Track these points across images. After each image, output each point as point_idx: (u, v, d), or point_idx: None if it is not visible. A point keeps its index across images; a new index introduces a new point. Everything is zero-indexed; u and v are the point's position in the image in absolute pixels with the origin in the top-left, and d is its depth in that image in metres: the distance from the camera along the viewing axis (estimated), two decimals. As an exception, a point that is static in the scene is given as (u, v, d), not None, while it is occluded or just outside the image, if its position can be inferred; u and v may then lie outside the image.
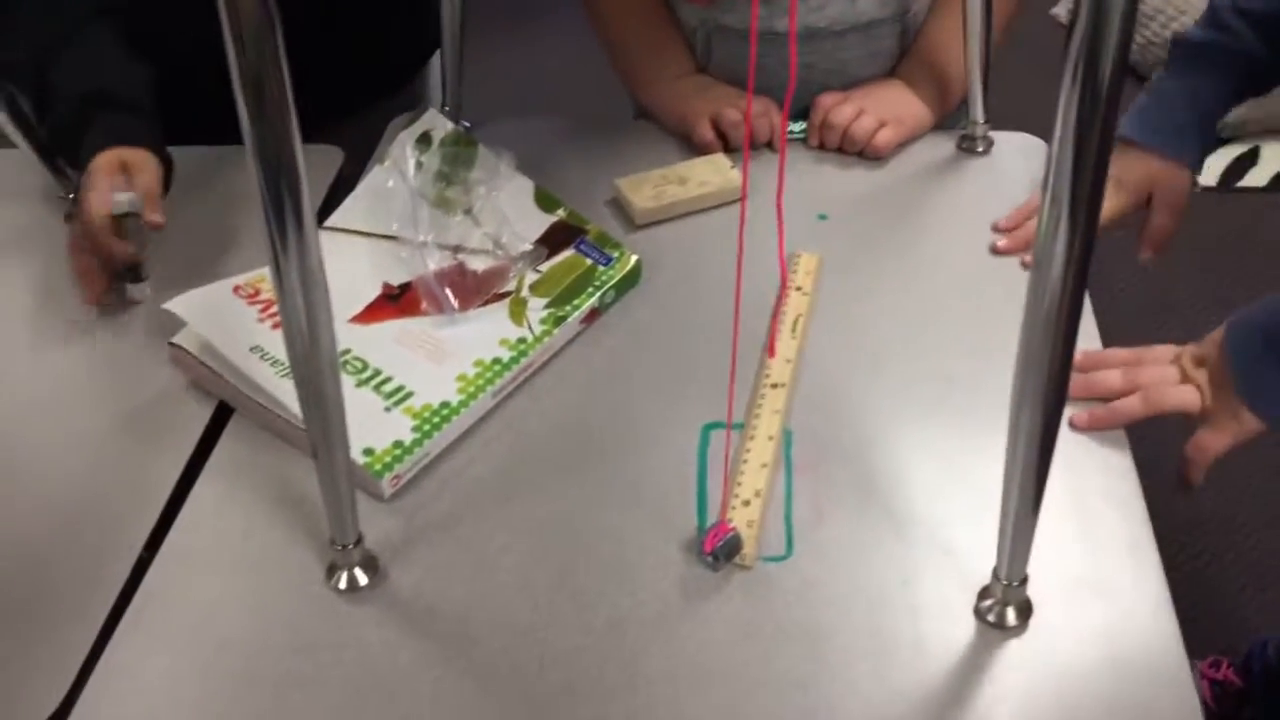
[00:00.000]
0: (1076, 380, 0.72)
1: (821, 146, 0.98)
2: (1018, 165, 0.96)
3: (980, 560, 0.62)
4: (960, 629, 0.60)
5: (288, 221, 0.48)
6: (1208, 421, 0.70)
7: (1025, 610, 0.59)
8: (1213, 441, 0.69)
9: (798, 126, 1.00)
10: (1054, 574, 0.62)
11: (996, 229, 0.87)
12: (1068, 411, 0.68)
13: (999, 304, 0.81)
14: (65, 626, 0.62)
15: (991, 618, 0.59)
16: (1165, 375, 0.71)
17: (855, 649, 0.59)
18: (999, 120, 0.98)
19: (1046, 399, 0.51)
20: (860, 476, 0.69)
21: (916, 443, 0.71)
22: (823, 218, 0.91)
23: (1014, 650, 0.58)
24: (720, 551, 0.62)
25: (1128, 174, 0.88)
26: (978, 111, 0.96)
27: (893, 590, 0.62)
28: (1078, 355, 0.72)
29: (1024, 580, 0.59)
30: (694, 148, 0.98)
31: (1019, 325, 0.78)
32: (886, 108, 0.97)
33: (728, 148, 0.98)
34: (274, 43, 0.44)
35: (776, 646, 0.59)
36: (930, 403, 0.73)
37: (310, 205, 0.49)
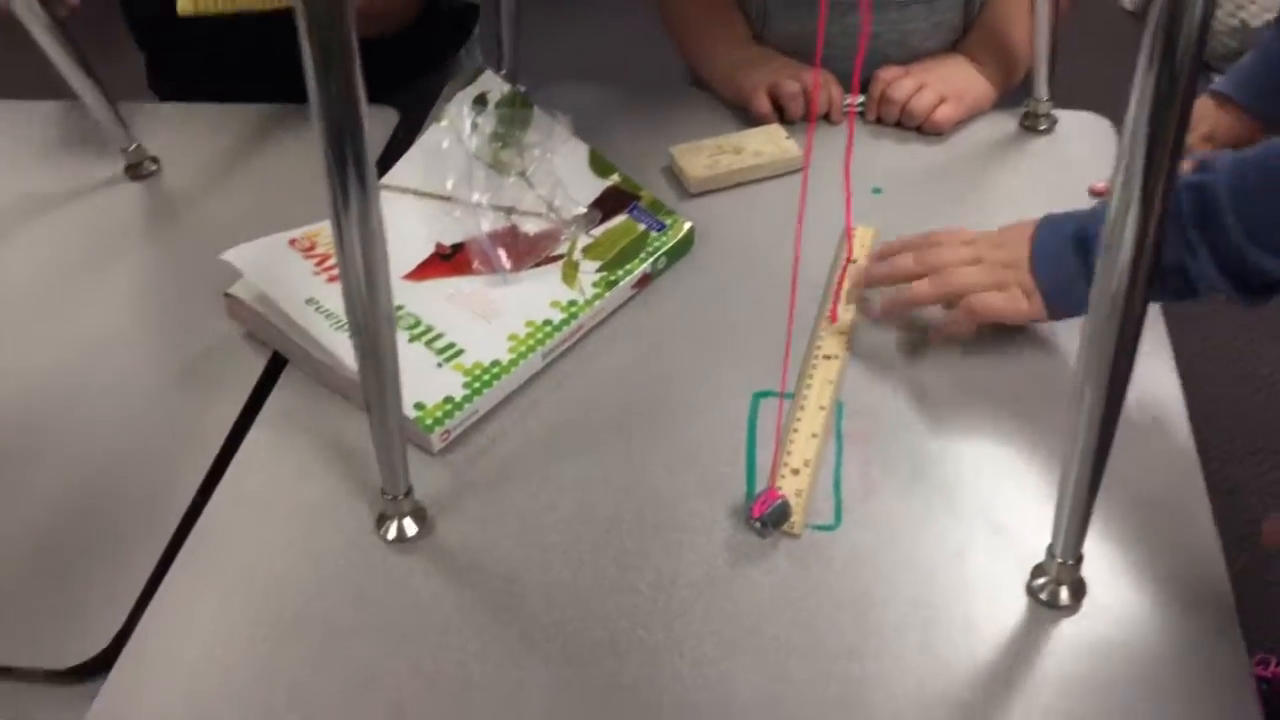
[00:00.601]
0: (873, 267, 0.77)
1: (879, 121, 0.97)
2: (1082, 145, 0.94)
3: (1033, 537, 0.61)
4: (1011, 606, 0.59)
5: (350, 178, 0.49)
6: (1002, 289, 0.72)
7: (1079, 590, 0.59)
8: (998, 302, 0.71)
9: (857, 100, 0.99)
10: (1109, 555, 0.61)
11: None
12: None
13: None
14: (119, 566, 0.63)
15: (1044, 596, 0.58)
16: (957, 256, 0.73)
17: (903, 621, 0.59)
18: (1061, 99, 0.97)
19: (1111, 380, 0.50)
20: (911, 449, 0.68)
21: (969, 418, 0.70)
22: (877, 192, 0.90)
23: (1066, 630, 0.58)
24: (768, 518, 0.62)
25: (1222, 132, 0.86)
26: (1042, 89, 0.94)
27: (943, 564, 0.61)
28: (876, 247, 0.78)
29: (1079, 559, 0.58)
30: (751, 118, 0.98)
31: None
32: (948, 83, 0.96)
33: (784, 119, 0.97)
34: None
35: (823, 615, 0.59)
36: (984, 378, 0.72)
37: (372, 163, 0.49)
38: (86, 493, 0.67)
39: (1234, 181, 0.65)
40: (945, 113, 0.94)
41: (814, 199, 0.89)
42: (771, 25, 1.01)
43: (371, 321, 0.54)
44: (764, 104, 0.96)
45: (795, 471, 0.66)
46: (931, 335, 0.75)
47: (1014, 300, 0.71)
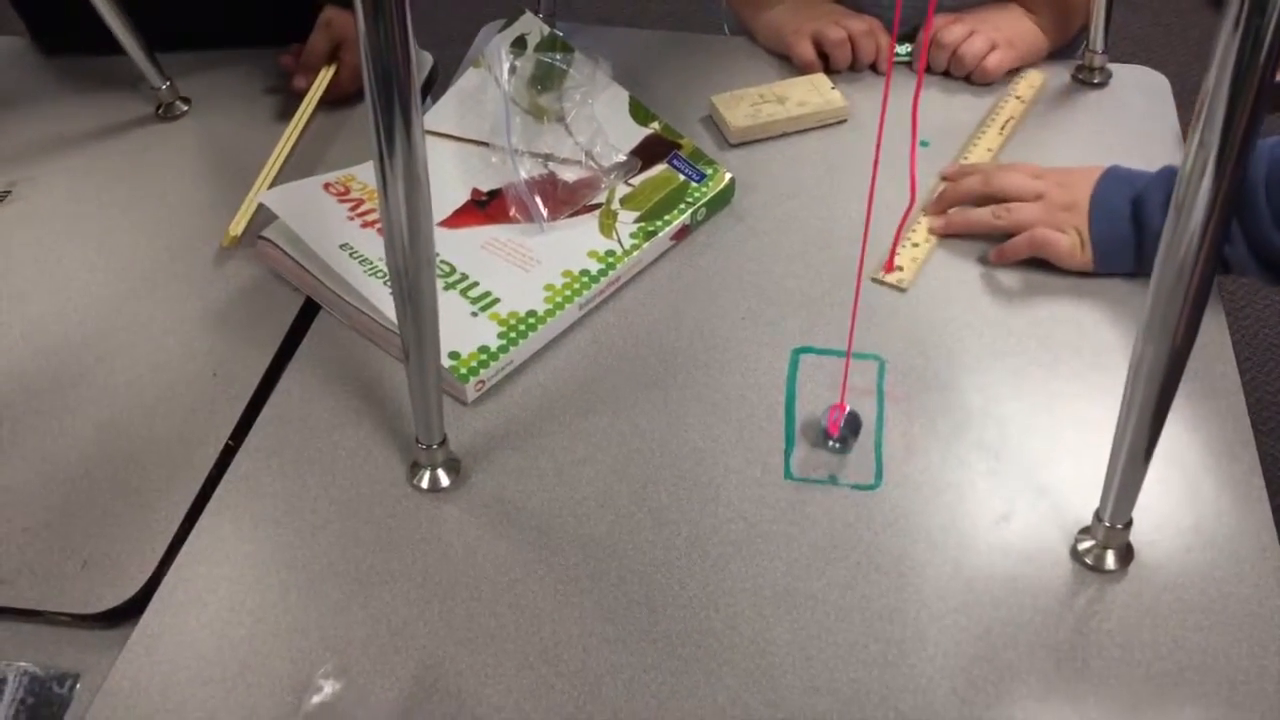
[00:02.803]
0: (944, 189, 0.80)
1: (928, 69, 0.94)
2: (1136, 100, 0.91)
3: (1078, 501, 0.60)
4: (1056, 570, 0.58)
5: (395, 123, 0.47)
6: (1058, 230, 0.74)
7: (1126, 555, 0.57)
8: (1062, 244, 0.74)
9: (903, 49, 0.96)
10: (1157, 519, 0.59)
11: (944, 177, 0.83)
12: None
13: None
14: (152, 511, 0.62)
15: (1090, 560, 0.57)
16: (1023, 185, 0.77)
17: (944, 583, 0.57)
18: (1116, 53, 0.93)
19: (1174, 343, 0.48)
20: (954, 410, 0.66)
21: (1014, 378, 0.68)
22: (925, 145, 0.87)
23: (1111, 595, 0.56)
24: (846, 429, 0.63)
25: None
26: (1098, 41, 0.91)
27: (986, 526, 0.60)
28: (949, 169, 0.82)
29: (1128, 524, 0.56)
30: (794, 67, 0.95)
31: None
32: (1000, 30, 0.93)
33: (828, 68, 0.94)
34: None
35: (862, 575, 0.58)
36: (1030, 338, 0.71)
37: (419, 109, 0.48)
38: (118, 437, 0.67)
39: (1271, 169, 0.66)
40: (996, 60, 0.91)
41: (860, 152, 0.88)
42: None
43: (412, 269, 0.53)
44: (808, 50, 0.94)
45: (915, 245, 0.76)
46: (992, 255, 0.77)
47: (1074, 246, 0.74)
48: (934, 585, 0.57)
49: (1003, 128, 0.88)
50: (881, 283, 0.75)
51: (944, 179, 0.82)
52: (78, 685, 0.53)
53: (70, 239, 0.83)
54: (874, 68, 0.95)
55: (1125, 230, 0.72)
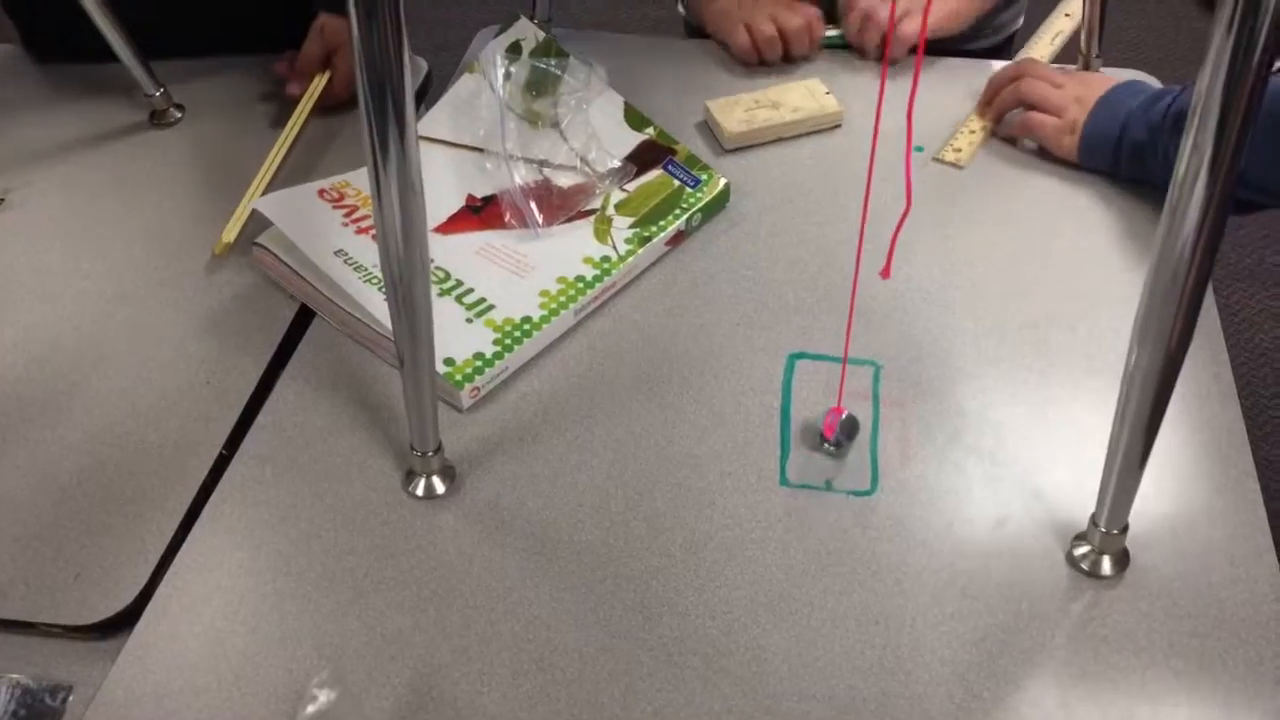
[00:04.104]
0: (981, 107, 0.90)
1: (862, 52, 0.97)
2: (1130, 103, 0.91)
3: (1074, 506, 0.60)
4: (1051, 575, 0.57)
5: (390, 130, 0.48)
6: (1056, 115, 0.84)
7: (1122, 560, 0.57)
8: (1047, 125, 0.84)
9: (833, 32, 0.98)
10: (1153, 524, 0.59)
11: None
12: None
13: (1102, 247, 0.78)
14: (145, 521, 0.62)
15: (1086, 565, 0.57)
16: (1047, 92, 0.85)
17: (940, 589, 0.57)
18: (1109, 58, 0.93)
19: (1168, 348, 0.48)
20: (949, 415, 0.66)
21: (1009, 384, 0.68)
22: (920, 150, 0.87)
23: (1107, 601, 0.56)
24: (841, 433, 0.63)
25: None
26: (1093, 46, 0.91)
27: (981, 532, 0.60)
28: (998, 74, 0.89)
29: (1124, 529, 0.56)
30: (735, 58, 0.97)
31: (1122, 270, 0.76)
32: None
33: (763, 61, 0.96)
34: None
35: (858, 581, 0.58)
36: (1024, 344, 0.70)
37: (413, 115, 0.48)
38: (112, 446, 0.67)
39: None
40: (906, 27, 0.95)
41: (854, 157, 0.88)
42: None
43: (407, 275, 0.53)
44: (744, 39, 0.96)
45: (972, 131, 0.86)
46: (997, 131, 0.88)
47: (1059, 131, 0.83)
48: (930, 591, 0.57)
49: (1053, 38, 0.96)
50: (940, 161, 0.85)
51: (993, 83, 0.89)
52: (70, 697, 0.53)
53: (64, 247, 0.82)
54: (806, 59, 0.97)
55: (1112, 130, 0.80)
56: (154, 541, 0.60)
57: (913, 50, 0.96)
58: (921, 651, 0.55)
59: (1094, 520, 0.57)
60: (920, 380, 0.69)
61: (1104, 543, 0.56)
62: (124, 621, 0.57)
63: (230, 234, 0.80)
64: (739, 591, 0.58)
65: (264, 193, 0.84)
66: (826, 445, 0.64)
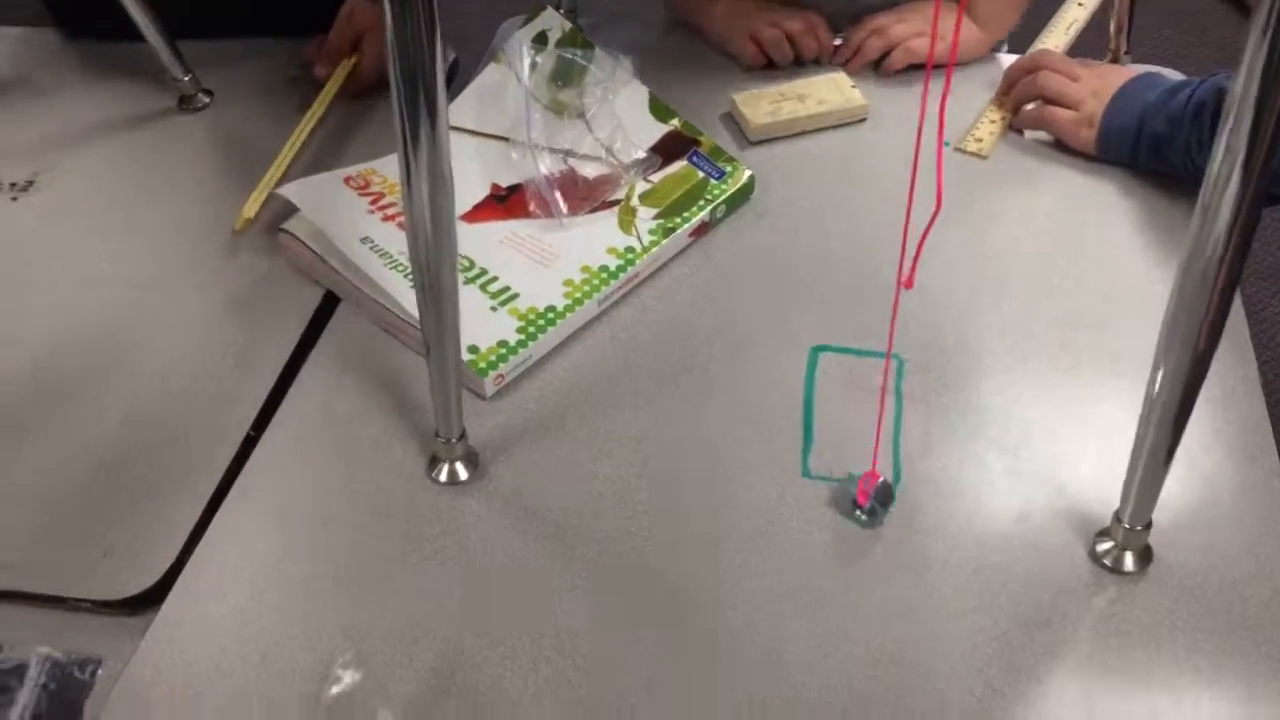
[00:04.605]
0: (1000, 97, 0.91)
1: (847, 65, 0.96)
2: (1159, 100, 0.90)
3: (1097, 502, 0.60)
4: (1074, 570, 0.57)
5: (421, 118, 0.48)
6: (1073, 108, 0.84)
7: (1145, 556, 0.57)
8: (1064, 119, 0.84)
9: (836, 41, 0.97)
10: (1176, 522, 0.59)
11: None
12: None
13: (1126, 240, 0.77)
14: (173, 501, 0.63)
15: (1108, 561, 0.57)
16: (1064, 85, 0.85)
17: (962, 582, 0.57)
18: (1138, 55, 0.93)
19: (1196, 346, 0.48)
20: (974, 409, 0.66)
21: (1034, 379, 0.68)
22: (946, 144, 0.87)
23: (1130, 597, 0.56)
24: (876, 500, 0.59)
25: None
26: (1121, 44, 0.91)
27: (1003, 526, 0.60)
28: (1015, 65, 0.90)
29: (1148, 525, 0.56)
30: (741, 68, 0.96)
31: (1147, 265, 0.75)
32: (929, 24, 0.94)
33: (772, 65, 0.95)
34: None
35: (879, 574, 0.58)
36: (1051, 340, 0.70)
37: (444, 104, 0.48)
38: (140, 425, 0.68)
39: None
40: (893, 61, 0.94)
41: (881, 151, 0.88)
42: None
43: (434, 263, 0.53)
44: (749, 49, 0.95)
45: (993, 121, 0.87)
46: (1012, 123, 0.88)
47: (1076, 124, 0.84)
48: (952, 584, 0.57)
49: (1067, 28, 0.95)
50: (962, 151, 0.85)
51: (1009, 75, 0.90)
52: (99, 670, 0.54)
53: (93, 229, 0.83)
54: (816, 62, 0.96)
55: (1131, 123, 0.80)
56: (182, 520, 0.61)
57: (919, 66, 0.94)
58: (943, 644, 0.55)
59: (1118, 516, 0.57)
60: (944, 375, 0.68)
61: (1127, 538, 0.56)
62: (152, 598, 0.57)
63: (251, 209, 0.81)
64: (760, 582, 0.58)
65: (286, 173, 0.85)
66: (859, 513, 0.60)
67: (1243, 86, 0.40)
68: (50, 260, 0.81)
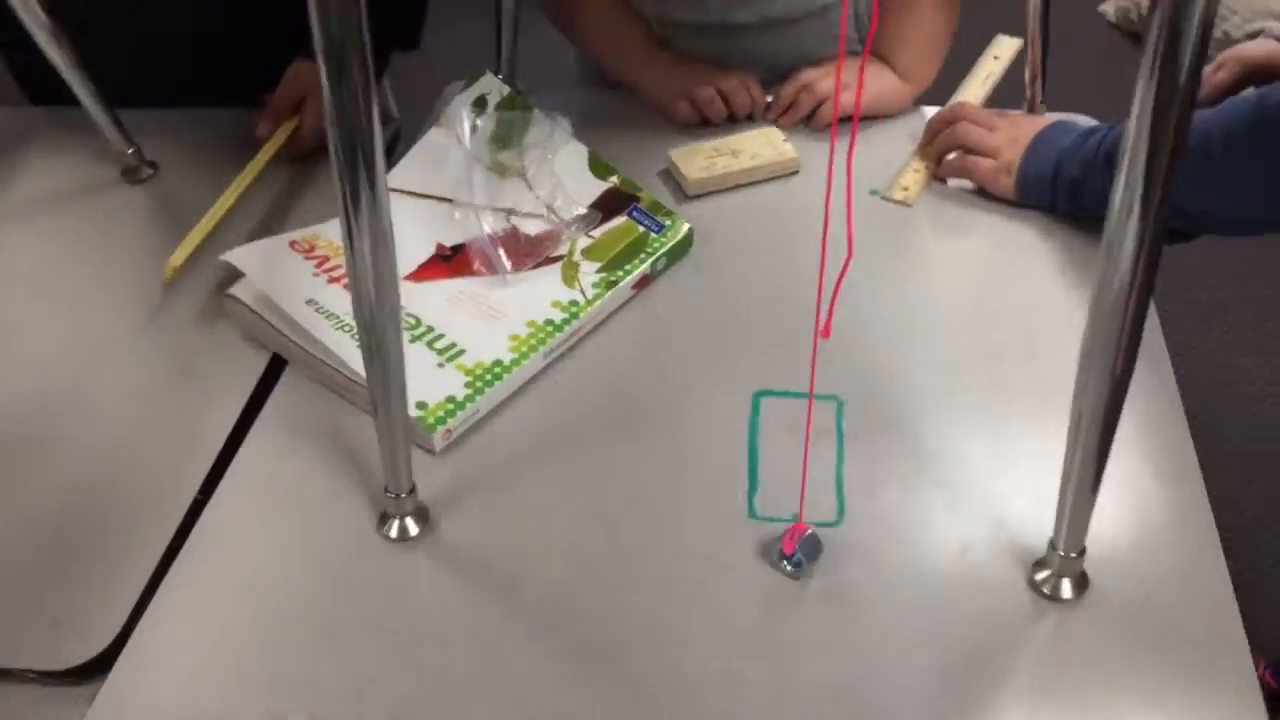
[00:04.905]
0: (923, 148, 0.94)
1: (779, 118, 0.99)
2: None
3: (1034, 532, 0.61)
4: (1014, 600, 0.59)
5: (360, 183, 0.49)
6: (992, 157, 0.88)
7: (1081, 583, 0.59)
8: (983, 167, 0.88)
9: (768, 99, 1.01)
10: (1110, 549, 0.61)
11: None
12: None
13: (1048, 278, 0.81)
14: (119, 567, 0.62)
15: (1047, 589, 0.59)
16: (979, 136, 0.89)
17: (905, 617, 0.59)
18: (1054, 103, 0.97)
19: (1113, 373, 0.50)
20: (912, 447, 0.68)
21: (968, 416, 0.70)
22: (874, 193, 0.90)
23: (1068, 623, 0.58)
24: (801, 552, 0.60)
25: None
26: (1037, 93, 0.95)
27: (946, 560, 0.61)
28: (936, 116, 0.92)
29: (1082, 552, 0.58)
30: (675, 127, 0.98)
31: (1068, 302, 0.79)
32: (865, 85, 0.98)
33: (707, 122, 0.98)
34: (357, 12, 0.45)
35: (827, 611, 0.59)
36: (982, 377, 0.73)
37: (383, 167, 0.50)
38: (86, 493, 0.67)
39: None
40: (821, 116, 0.97)
41: (811, 202, 0.90)
42: (672, 45, 1.02)
43: (379, 321, 0.54)
44: (684, 110, 0.98)
45: (916, 170, 0.91)
46: (937, 172, 0.91)
47: (995, 172, 0.87)
48: (897, 619, 0.59)
49: (984, 80, 0.99)
50: (889, 199, 0.88)
51: (931, 127, 0.93)
52: (46, 744, 0.53)
53: (35, 299, 0.83)
54: (750, 118, 0.99)
55: (1047, 169, 0.83)
56: (129, 587, 0.61)
57: (847, 118, 0.97)
58: (891, 679, 0.56)
59: (1053, 544, 0.59)
60: (882, 414, 0.70)
61: (1063, 566, 0.58)
62: (100, 667, 0.57)
63: (179, 259, 0.81)
64: (711, 622, 0.59)
65: (220, 223, 0.85)
66: (785, 562, 0.61)
67: (1135, 126, 0.43)
68: (-9, 331, 0.80)
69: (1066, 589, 0.59)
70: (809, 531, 0.61)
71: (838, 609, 0.59)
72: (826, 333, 0.67)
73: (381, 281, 0.53)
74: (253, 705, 0.55)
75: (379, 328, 0.55)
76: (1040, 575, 0.59)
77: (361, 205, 0.50)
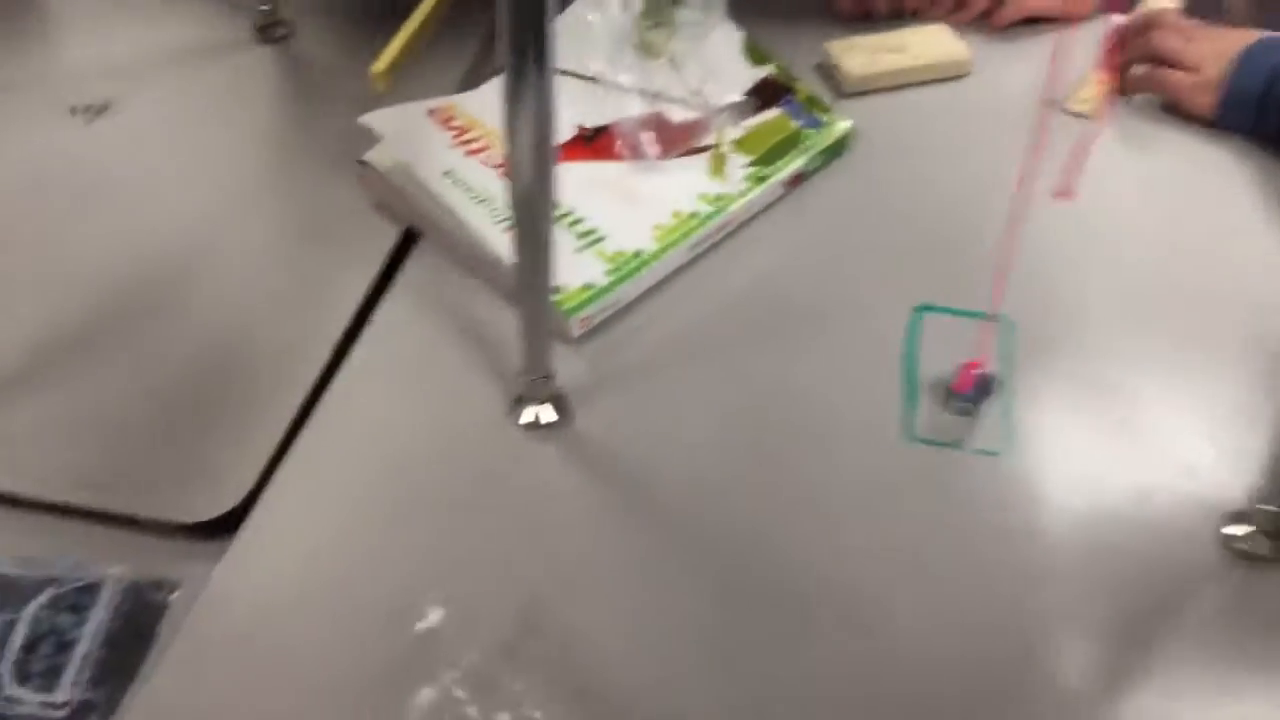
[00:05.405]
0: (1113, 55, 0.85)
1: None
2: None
3: (1224, 485, 0.56)
4: (1203, 554, 0.54)
5: (529, 57, 0.45)
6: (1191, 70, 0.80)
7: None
8: (1184, 83, 0.80)
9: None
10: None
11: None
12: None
13: (1255, 215, 0.73)
14: (253, 423, 0.61)
15: (1244, 546, 0.53)
16: (1179, 51, 0.81)
17: (1075, 559, 0.54)
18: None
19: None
20: (1088, 380, 0.63)
21: (1150, 351, 0.64)
22: (1053, 103, 0.83)
23: (1264, 582, 0.53)
24: (977, 391, 0.57)
25: None
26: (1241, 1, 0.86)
27: (1120, 503, 0.56)
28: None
29: (1286, 508, 0.52)
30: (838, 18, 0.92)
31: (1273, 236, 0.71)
32: None
33: (870, 15, 0.91)
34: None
35: (984, 542, 0.55)
36: (1170, 313, 0.66)
37: (554, 38, 0.45)
38: (221, 350, 0.65)
39: None
40: (1004, 14, 0.89)
41: (983, 108, 0.84)
42: None
43: (534, 199, 0.50)
44: (847, 0, 0.91)
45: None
46: (1123, 82, 0.84)
47: (1194, 89, 0.79)
48: (1063, 560, 0.54)
49: None
50: (1068, 111, 0.80)
51: (1120, 34, 0.86)
52: (175, 594, 0.52)
53: (169, 156, 0.81)
54: (915, 14, 0.91)
55: (1256, 86, 0.76)
56: (261, 445, 0.59)
57: (1024, 20, 0.89)
58: (1053, 621, 0.51)
59: (1256, 499, 0.53)
60: (1057, 341, 0.65)
61: (1266, 522, 0.53)
62: (230, 523, 0.55)
63: (383, 63, 0.76)
64: (860, 544, 0.55)
65: (422, 26, 0.80)
66: (955, 401, 0.60)
67: None
68: (124, 185, 0.78)
69: (1264, 546, 0.53)
70: (983, 370, 0.57)
71: (998, 543, 0.55)
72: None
73: (541, 158, 0.49)
74: (378, 582, 0.53)
75: (533, 206, 0.51)
76: (1235, 530, 0.54)
77: (529, 71, 0.46)
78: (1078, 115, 0.81)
